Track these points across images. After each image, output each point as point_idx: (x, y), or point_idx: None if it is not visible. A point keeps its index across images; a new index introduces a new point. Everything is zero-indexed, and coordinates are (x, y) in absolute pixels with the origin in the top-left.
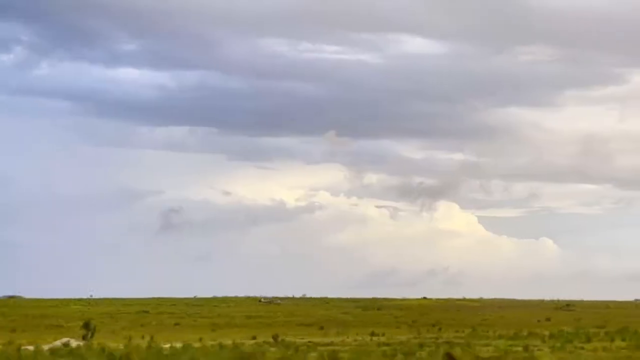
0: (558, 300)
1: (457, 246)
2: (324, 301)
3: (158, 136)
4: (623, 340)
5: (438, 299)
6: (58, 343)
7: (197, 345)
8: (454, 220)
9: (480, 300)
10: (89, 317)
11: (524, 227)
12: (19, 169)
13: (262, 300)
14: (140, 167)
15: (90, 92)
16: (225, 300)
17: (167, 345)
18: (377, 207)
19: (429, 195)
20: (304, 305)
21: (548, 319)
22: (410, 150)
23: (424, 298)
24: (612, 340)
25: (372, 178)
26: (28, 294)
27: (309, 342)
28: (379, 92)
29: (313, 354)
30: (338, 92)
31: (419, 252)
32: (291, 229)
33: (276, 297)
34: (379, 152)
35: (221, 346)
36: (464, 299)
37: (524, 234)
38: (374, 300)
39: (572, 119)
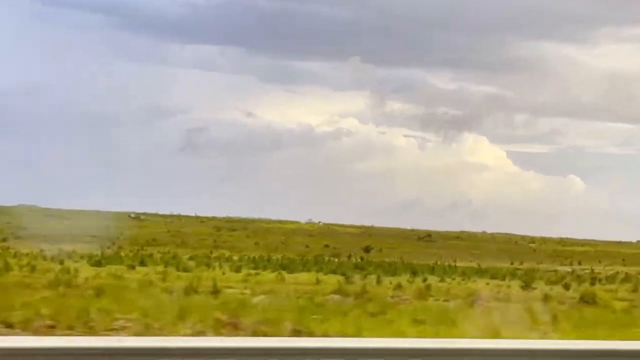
0: (419, 230)
1: (484, 180)
2: (199, 220)
3: (188, 54)
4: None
5: (323, 224)
6: None
7: None
8: (482, 153)
9: (363, 227)
10: None
11: (551, 164)
12: (49, 81)
13: (131, 215)
14: (169, 85)
15: (121, 5)
16: (84, 212)
17: None
18: (405, 136)
19: (455, 127)
20: (157, 222)
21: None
22: (438, 80)
23: (309, 222)
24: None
25: (399, 107)
26: (42, 204)
27: None
28: (409, 20)
29: None
30: (369, 18)
31: (444, 184)
32: (316, 155)
33: (147, 213)
34: (406, 81)
35: None
36: (342, 224)
37: (551, 170)
38: (243, 221)
39: (606, 56)
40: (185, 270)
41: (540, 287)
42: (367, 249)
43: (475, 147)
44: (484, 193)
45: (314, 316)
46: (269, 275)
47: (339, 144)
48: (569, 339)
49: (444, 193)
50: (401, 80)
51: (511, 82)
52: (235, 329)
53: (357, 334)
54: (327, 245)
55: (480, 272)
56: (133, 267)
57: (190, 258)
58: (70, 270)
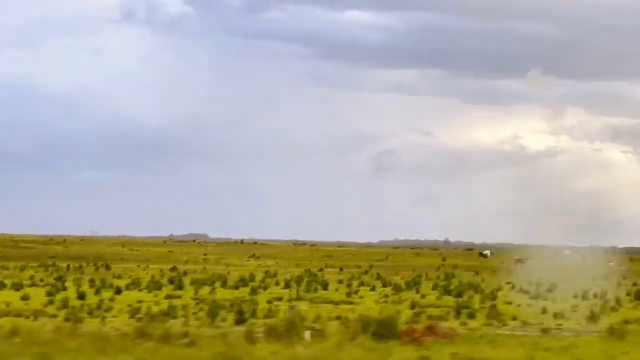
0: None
1: None
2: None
3: (387, 79)
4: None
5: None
6: None
7: None
8: None
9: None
10: None
11: None
12: (253, 112)
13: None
14: (369, 110)
15: (318, 35)
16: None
17: None
18: (624, 152)
19: None
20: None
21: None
22: None
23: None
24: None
25: (613, 122)
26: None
27: None
28: (618, 34)
29: None
30: (573, 33)
31: None
32: (528, 175)
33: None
34: (617, 95)
35: None
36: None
37: None
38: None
39: None
40: None
41: None
42: None
43: None
44: None
45: None
46: None
47: (552, 163)
48: None
49: None
50: (614, 94)
51: None
52: None
53: None
54: None
55: None
56: None
57: None
58: None
